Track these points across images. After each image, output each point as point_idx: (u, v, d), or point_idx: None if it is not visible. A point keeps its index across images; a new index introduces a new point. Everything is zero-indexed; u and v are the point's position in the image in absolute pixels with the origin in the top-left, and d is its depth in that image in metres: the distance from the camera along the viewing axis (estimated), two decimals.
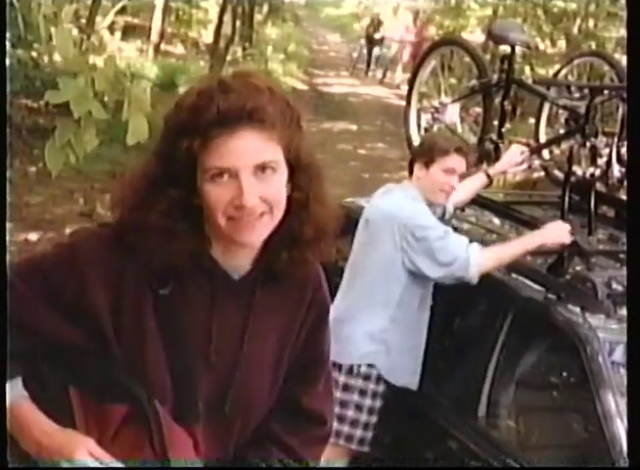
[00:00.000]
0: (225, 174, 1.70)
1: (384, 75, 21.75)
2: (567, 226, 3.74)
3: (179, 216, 1.76)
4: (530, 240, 3.79)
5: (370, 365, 3.80)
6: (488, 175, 4.30)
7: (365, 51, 22.81)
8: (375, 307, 3.82)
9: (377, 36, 21.83)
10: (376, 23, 22.10)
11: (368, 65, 22.71)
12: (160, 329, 1.80)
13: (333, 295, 4.43)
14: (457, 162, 3.90)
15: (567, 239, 3.71)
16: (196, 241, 1.78)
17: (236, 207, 1.71)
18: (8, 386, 1.80)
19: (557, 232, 3.73)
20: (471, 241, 3.73)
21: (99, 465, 1.76)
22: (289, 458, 1.97)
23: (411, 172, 3.97)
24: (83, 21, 14.18)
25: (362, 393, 3.80)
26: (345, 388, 3.78)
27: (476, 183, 4.27)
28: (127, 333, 1.79)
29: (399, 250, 3.72)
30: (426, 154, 3.90)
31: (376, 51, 22.25)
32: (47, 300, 1.79)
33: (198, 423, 1.83)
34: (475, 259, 3.63)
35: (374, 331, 3.81)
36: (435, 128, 4.95)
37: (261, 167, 1.72)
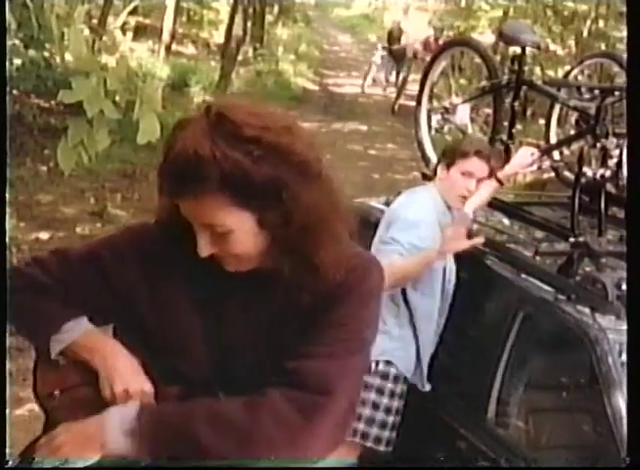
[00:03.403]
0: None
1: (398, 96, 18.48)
2: (460, 232, 3.69)
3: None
4: (427, 254, 3.72)
5: (388, 363, 3.81)
6: (499, 180, 4.29)
7: (381, 60, 20.59)
8: (388, 304, 3.81)
9: (397, 48, 19.69)
10: (396, 34, 20.16)
11: (387, 80, 20.60)
12: (199, 318, 1.91)
13: None
14: (477, 165, 3.92)
15: (461, 245, 3.67)
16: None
17: None
18: (72, 323, 1.92)
19: (451, 242, 3.68)
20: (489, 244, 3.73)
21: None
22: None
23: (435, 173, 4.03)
24: (95, 21, 14.22)
25: (379, 391, 3.80)
26: (364, 386, 3.79)
27: (488, 190, 4.24)
28: (167, 320, 1.91)
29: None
30: (448, 155, 3.95)
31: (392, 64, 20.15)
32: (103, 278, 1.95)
33: None
34: None
35: (390, 328, 3.82)
36: (446, 129, 4.96)
37: (214, 229, 1.76)
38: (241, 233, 1.76)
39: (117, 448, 1.76)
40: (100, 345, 1.92)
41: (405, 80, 17.95)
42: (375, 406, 3.79)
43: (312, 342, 1.84)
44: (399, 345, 3.83)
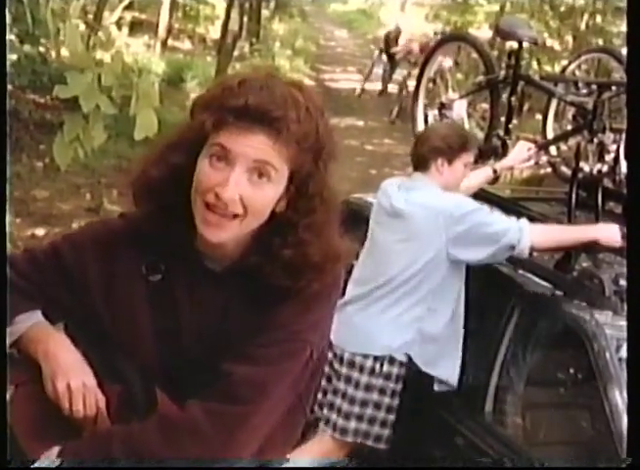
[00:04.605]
0: (223, 160, 1.73)
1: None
2: (619, 232, 3.67)
3: (172, 189, 1.80)
4: (586, 231, 3.74)
5: (391, 363, 3.80)
6: (494, 170, 4.30)
7: (377, 62, 19.70)
8: (414, 297, 3.81)
9: (394, 51, 18.47)
10: (394, 35, 19.12)
11: (384, 82, 19.49)
12: (151, 316, 1.87)
13: None
14: (472, 156, 4.03)
15: (618, 244, 3.64)
16: (183, 223, 1.81)
17: (216, 194, 1.72)
18: (24, 315, 1.91)
19: (611, 234, 3.66)
20: None
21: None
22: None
23: (420, 166, 3.98)
24: (90, 16, 14.20)
25: (382, 392, 3.81)
26: (367, 388, 3.80)
27: (481, 176, 4.27)
28: (120, 318, 1.88)
29: (445, 240, 3.72)
30: (449, 151, 3.91)
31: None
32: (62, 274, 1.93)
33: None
34: (527, 229, 3.61)
35: (410, 322, 3.82)
36: None
37: (259, 170, 1.73)
38: (272, 189, 1.76)
39: None
40: (44, 337, 1.90)
41: (404, 86, 16.62)
42: (377, 407, 3.81)
43: (251, 342, 1.82)
44: (417, 338, 3.82)
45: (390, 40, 19.12)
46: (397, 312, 3.82)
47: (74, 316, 1.94)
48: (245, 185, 1.72)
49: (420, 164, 3.99)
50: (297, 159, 1.75)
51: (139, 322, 1.87)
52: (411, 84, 11.14)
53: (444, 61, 5.25)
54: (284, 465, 1.92)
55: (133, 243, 1.89)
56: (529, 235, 3.61)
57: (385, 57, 19.19)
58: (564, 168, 4.74)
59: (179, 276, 1.88)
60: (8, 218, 7.07)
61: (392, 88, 18.20)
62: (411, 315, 3.81)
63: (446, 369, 3.84)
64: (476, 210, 3.77)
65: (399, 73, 17.96)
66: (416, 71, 5.57)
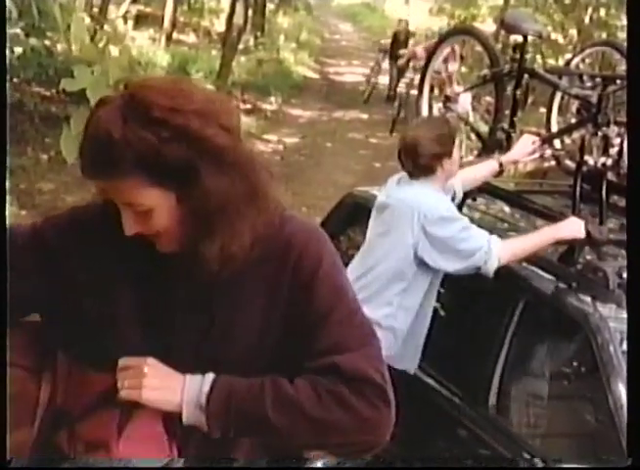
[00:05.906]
0: None
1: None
2: (580, 222, 3.73)
3: None
4: (547, 234, 3.78)
5: None
6: (500, 163, 4.30)
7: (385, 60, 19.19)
8: (385, 295, 3.81)
9: (401, 53, 17.44)
10: (403, 38, 18.52)
11: (390, 83, 18.84)
12: (136, 305, 1.84)
13: None
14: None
15: (580, 234, 3.69)
16: None
17: None
18: None
19: (571, 227, 3.72)
20: (490, 232, 3.74)
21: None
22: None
23: (424, 173, 3.92)
24: (96, 9, 14.22)
25: None
26: None
27: (486, 170, 4.27)
28: (101, 302, 1.84)
29: (415, 238, 3.71)
30: (447, 149, 3.89)
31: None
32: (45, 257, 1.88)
33: None
34: (495, 251, 3.63)
35: (382, 317, 3.81)
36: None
37: (134, 207, 1.73)
38: (162, 210, 1.73)
39: (191, 420, 1.75)
40: None
41: (407, 94, 15.51)
42: None
43: (320, 336, 1.80)
44: (389, 334, 3.80)
45: (400, 42, 18.42)
46: (373, 307, 3.78)
47: (54, 300, 1.88)
48: (136, 224, 1.75)
49: (423, 172, 3.91)
50: (152, 173, 1.70)
51: (122, 311, 1.84)
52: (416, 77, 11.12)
53: (449, 56, 5.25)
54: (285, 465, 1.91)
55: (115, 229, 1.82)
56: (497, 257, 3.63)
57: (388, 59, 18.57)
58: (568, 162, 4.74)
59: (167, 267, 1.84)
60: (13, 211, 7.08)
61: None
62: (384, 311, 3.79)
63: (408, 362, 3.86)
64: (452, 219, 3.75)
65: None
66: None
